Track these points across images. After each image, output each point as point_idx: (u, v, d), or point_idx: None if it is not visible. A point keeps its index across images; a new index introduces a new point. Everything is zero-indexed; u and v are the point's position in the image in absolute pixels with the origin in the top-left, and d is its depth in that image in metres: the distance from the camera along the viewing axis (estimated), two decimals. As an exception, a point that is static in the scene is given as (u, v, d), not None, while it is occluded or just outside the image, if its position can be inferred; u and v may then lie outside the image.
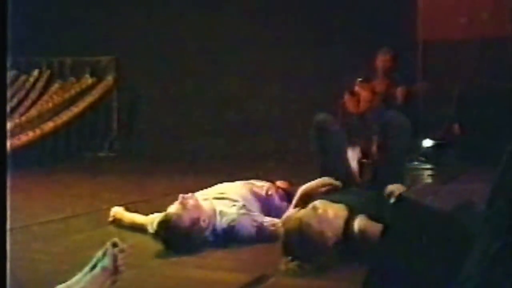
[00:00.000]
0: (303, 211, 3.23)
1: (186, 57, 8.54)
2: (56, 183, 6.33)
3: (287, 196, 4.10)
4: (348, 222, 3.13)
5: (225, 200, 3.82)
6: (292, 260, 2.99)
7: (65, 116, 8.47)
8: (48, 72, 9.02)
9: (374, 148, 7.15)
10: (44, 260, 3.39)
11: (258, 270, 3.07)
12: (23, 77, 9.06)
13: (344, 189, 3.68)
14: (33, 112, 8.53)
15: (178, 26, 8.58)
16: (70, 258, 3.30)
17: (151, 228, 3.57)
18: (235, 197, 3.87)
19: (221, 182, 4.12)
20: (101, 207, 4.81)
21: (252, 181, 4.19)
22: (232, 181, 4.15)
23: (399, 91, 7.03)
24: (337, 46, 7.76)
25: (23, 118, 8.42)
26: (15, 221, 4.25)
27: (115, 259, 2.38)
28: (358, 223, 3.13)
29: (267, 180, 4.23)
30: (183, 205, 3.50)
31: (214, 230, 3.62)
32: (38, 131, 8.20)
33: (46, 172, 7.18)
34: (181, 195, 3.54)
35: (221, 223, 3.65)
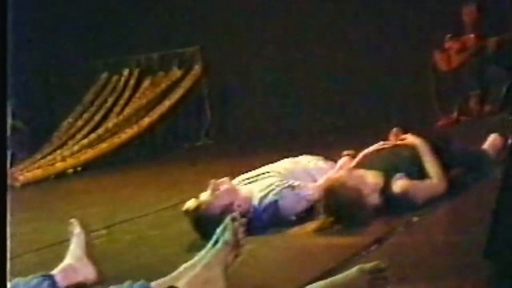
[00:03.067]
0: (339, 173, 3.58)
1: (269, 39, 8.54)
2: (161, 175, 6.49)
3: None
4: (386, 183, 3.43)
5: (268, 178, 3.65)
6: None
7: (159, 111, 8.66)
8: (138, 69, 9.21)
9: (472, 104, 7.04)
10: (160, 245, 3.53)
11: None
12: (114, 78, 9.28)
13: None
14: (129, 110, 8.76)
15: (258, 10, 8.58)
16: (185, 239, 3.41)
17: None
18: (279, 173, 3.71)
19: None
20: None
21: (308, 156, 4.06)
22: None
23: (491, 42, 6.85)
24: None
25: (120, 117, 8.66)
26: (127, 213, 4.43)
27: (235, 232, 2.43)
28: (398, 184, 3.42)
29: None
30: (214, 191, 3.36)
31: (255, 212, 3.45)
32: (135, 128, 8.43)
33: (148, 166, 7.37)
34: (212, 181, 3.41)
35: (261, 203, 3.49)
